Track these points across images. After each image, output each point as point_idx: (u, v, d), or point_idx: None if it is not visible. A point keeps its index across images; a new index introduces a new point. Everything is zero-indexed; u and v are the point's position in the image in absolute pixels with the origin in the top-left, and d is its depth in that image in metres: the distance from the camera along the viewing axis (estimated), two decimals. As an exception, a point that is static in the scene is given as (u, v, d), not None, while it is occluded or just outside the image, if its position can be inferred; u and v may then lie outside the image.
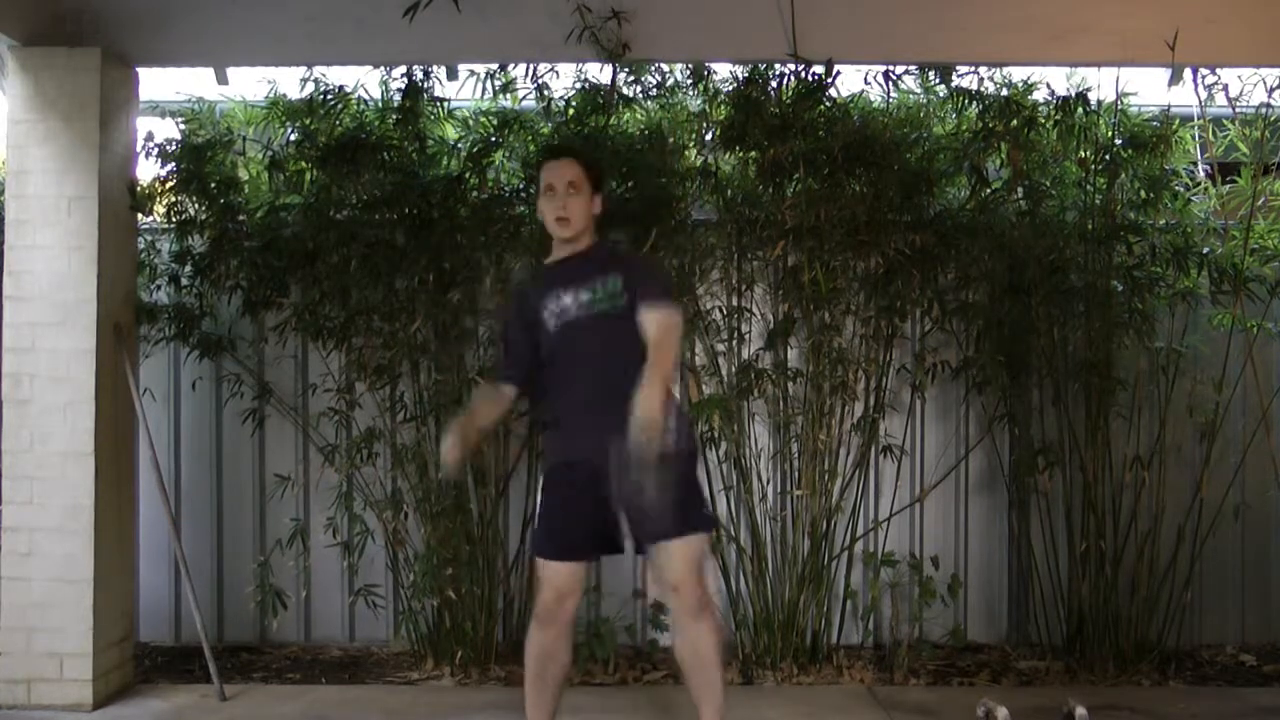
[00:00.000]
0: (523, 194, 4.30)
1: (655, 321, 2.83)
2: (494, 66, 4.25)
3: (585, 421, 2.89)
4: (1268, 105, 4.25)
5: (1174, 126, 4.30)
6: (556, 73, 4.24)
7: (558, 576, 2.95)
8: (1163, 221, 4.36)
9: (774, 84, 4.19)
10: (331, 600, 4.69)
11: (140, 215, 4.22)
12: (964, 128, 4.33)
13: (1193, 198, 4.43)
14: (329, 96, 4.25)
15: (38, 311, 3.85)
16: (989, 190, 4.29)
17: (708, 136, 4.34)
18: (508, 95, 4.33)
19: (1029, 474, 4.42)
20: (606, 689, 4.17)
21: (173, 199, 4.22)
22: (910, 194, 4.21)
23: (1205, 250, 4.31)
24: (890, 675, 4.29)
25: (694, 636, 2.93)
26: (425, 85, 4.27)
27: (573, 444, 2.95)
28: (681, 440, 2.95)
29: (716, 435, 4.33)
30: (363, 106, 4.33)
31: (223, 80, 4.42)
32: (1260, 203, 4.26)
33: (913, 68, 4.29)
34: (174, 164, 4.19)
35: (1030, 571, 4.49)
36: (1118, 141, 4.27)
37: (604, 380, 2.86)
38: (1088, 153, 4.29)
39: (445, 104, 4.36)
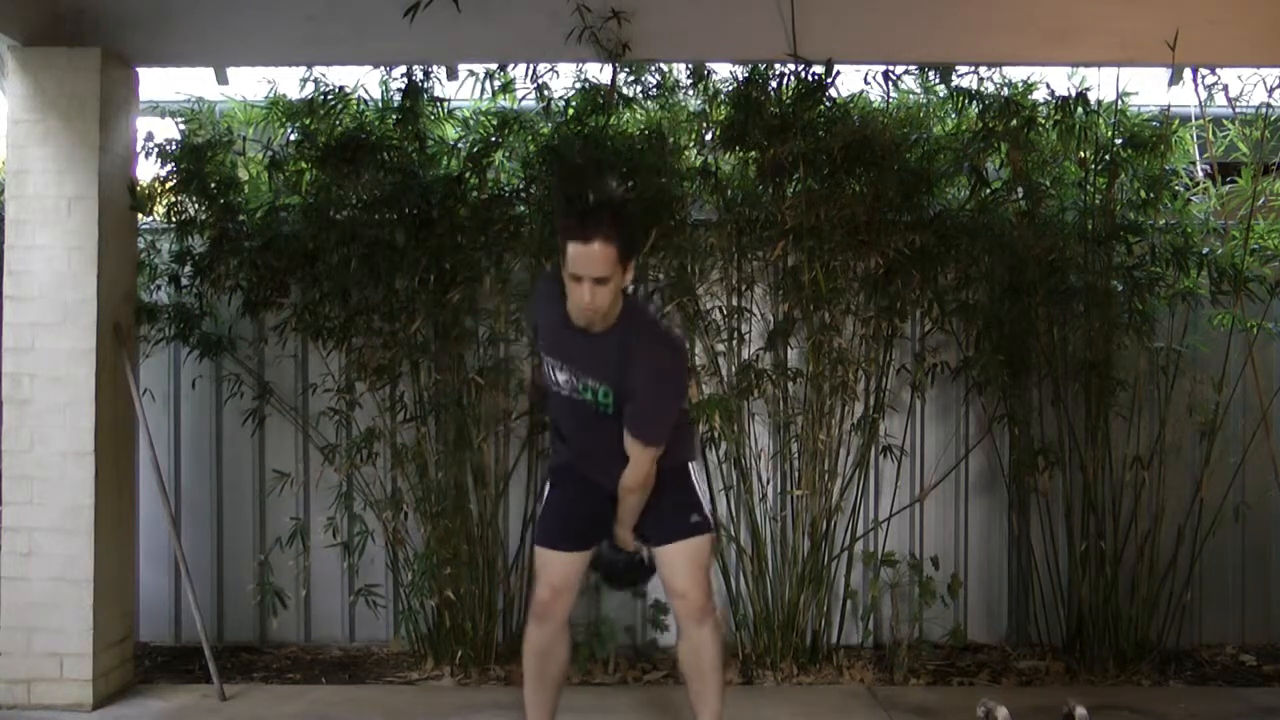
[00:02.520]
0: (523, 194, 4.30)
1: (630, 449, 2.79)
2: (493, 66, 4.24)
3: (584, 458, 2.97)
4: (1268, 105, 4.25)
5: (1174, 126, 4.30)
6: (556, 72, 4.24)
7: (555, 569, 2.96)
8: (1163, 221, 4.36)
9: (774, 84, 4.19)
10: (331, 600, 4.69)
11: (140, 215, 4.22)
12: (964, 128, 4.33)
13: (1193, 198, 4.43)
14: (329, 97, 4.24)
15: (38, 311, 3.85)
16: (989, 190, 4.29)
17: (708, 136, 4.34)
18: (507, 96, 4.33)
19: (1029, 474, 4.42)
20: (606, 689, 4.17)
21: (172, 199, 4.22)
22: (910, 194, 4.21)
23: (1205, 250, 4.31)
24: (890, 675, 4.29)
25: (697, 642, 2.94)
26: (425, 85, 4.27)
27: (574, 461, 3.01)
28: (685, 451, 2.99)
29: (716, 435, 4.33)
30: (362, 106, 4.32)
31: (223, 80, 4.43)
32: (1260, 203, 4.26)
33: (913, 68, 4.29)
34: (174, 164, 4.19)
35: (1030, 571, 4.49)
36: (1118, 141, 4.26)
37: (595, 442, 2.89)
38: (1087, 153, 4.29)
39: (445, 104, 4.35)
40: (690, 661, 2.96)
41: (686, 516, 2.94)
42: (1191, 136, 4.41)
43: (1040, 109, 4.25)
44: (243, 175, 4.38)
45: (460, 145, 4.35)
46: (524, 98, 4.34)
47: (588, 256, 2.60)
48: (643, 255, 4.08)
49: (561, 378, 2.84)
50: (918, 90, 4.41)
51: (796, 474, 4.38)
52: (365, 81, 4.32)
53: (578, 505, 2.98)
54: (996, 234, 4.32)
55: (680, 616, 2.96)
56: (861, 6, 4.01)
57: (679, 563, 2.91)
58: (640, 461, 2.80)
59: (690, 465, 3.02)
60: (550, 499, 3.05)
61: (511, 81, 4.29)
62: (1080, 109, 4.20)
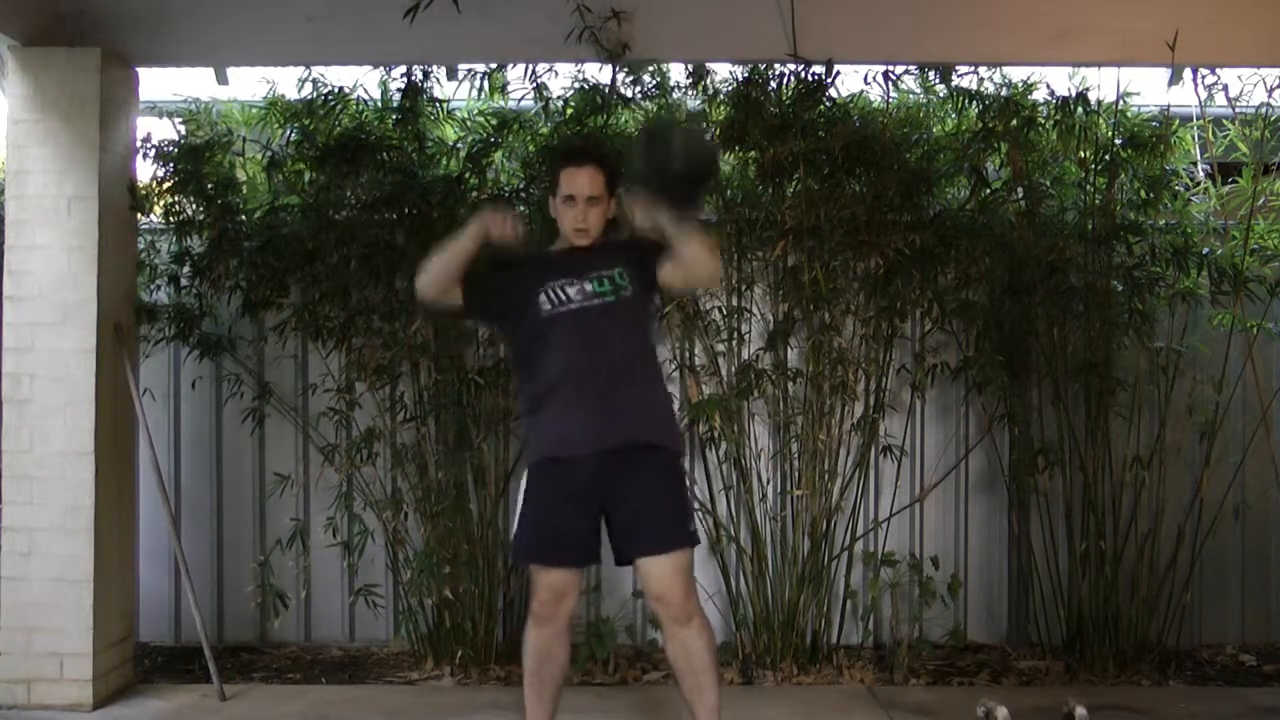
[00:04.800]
0: (523, 194, 4.30)
1: (687, 248, 2.86)
2: (492, 66, 4.24)
3: (583, 411, 2.86)
4: (1268, 105, 4.25)
5: (1174, 126, 4.30)
6: (555, 72, 4.24)
7: (553, 579, 2.93)
8: (1162, 221, 4.36)
9: (774, 84, 4.19)
10: (331, 600, 4.69)
11: (140, 215, 4.22)
12: (964, 128, 4.33)
13: (1193, 198, 4.43)
14: (328, 97, 4.24)
15: (38, 311, 3.84)
16: (989, 190, 4.29)
17: (707, 137, 4.34)
18: (502, 96, 4.33)
19: (1029, 474, 4.42)
20: (606, 689, 4.17)
21: (170, 200, 4.22)
22: (910, 194, 4.21)
23: (1205, 250, 4.31)
24: (890, 675, 4.29)
25: (684, 640, 2.92)
26: (425, 85, 4.27)
27: (566, 437, 2.88)
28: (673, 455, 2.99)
29: (716, 435, 4.33)
30: (362, 107, 4.33)
31: (223, 80, 4.42)
32: (1260, 203, 4.26)
33: (912, 68, 4.29)
34: (172, 165, 4.19)
35: (1030, 571, 4.49)
36: (1117, 142, 4.26)
37: (606, 368, 2.87)
38: (1087, 153, 4.29)
39: (444, 104, 4.35)
40: (680, 660, 2.94)
41: (678, 527, 2.91)
42: (1192, 136, 4.41)
43: (1040, 109, 4.25)
44: (241, 176, 4.38)
45: (460, 145, 4.35)
46: (522, 98, 4.34)
47: (579, 176, 2.95)
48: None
49: (571, 290, 2.92)
50: (918, 90, 4.41)
51: (796, 474, 4.38)
52: (365, 81, 4.33)
53: (564, 516, 2.89)
54: (996, 234, 4.32)
55: (663, 618, 2.93)
56: (861, 6, 4.02)
57: (663, 570, 2.86)
58: (699, 244, 2.87)
59: (682, 474, 3.04)
60: (531, 513, 2.93)
61: (505, 84, 4.29)
62: (1080, 109, 4.20)
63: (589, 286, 2.92)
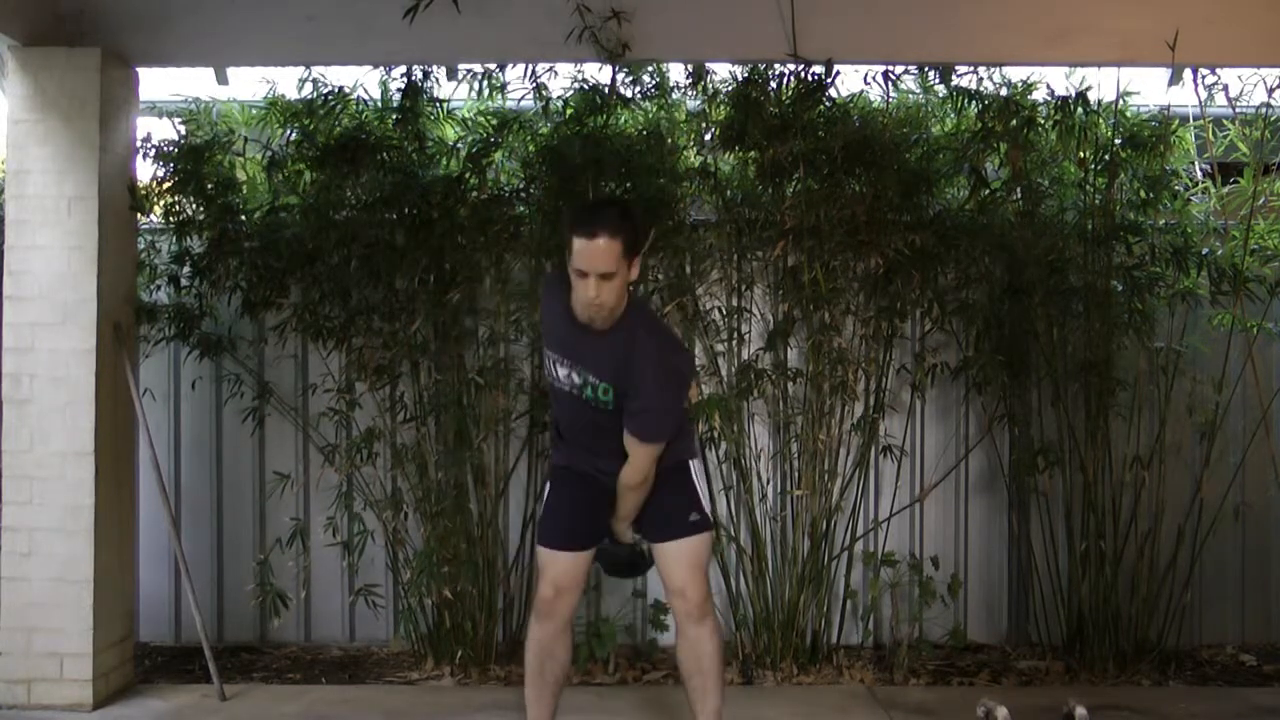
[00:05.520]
0: (522, 194, 4.30)
1: (630, 447, 2.82)
2: (491, 66, 4.24)
3: (583, 456, 2.97)
4: (1268, 105, 4.24)
5: (1174, 126, 4.30)
6: (555, 72, 4.24)
7: (558, 569, 2.96)
8: (1162, 222, 4.36)
9: (774, 84, 4.19)
10: (331, 600, 4.69)
11: (140, 215, 4.22)
12: (963, 128, 4.33)
13: (1192, 198, 4.43)
14: (328, 97, 4.24)
15: (38, 311, 3.84)
16: (988, 190, 4.29)
17: (707, 137, 4.34)
18: (503, 96, 4.33)
19: (1029, 474, 4.42)
20: (606, 689, 4.17)
21: (170, 200, 4.22)
22: (910, 194, 4.20)
23: (1205, 250, 4.31)
24: (890, 675, 4.29)
25: (695, 639, 2.94)
26: (425, 85, 4.27)
27: (576, 460, 3.01)
28: (684, 448, 2.99)
29: (716, 435, 4.33)
30: (362, 107, 4.32)
31: (223, 80, 4.42)
32: (1260, 203, 4.25)
33: (912, 68, 4.29)
34: (172, 165, 4.19)
35: (1030, 571, 4.49)
36: (1117, 141, 4.26)
37: (594, 439, 2.92)
38: (1087, 153, 4.29)
39: (444, 104, 4.35)
40: (689, 660, 2.97)
41: (686, 515, 2.95)
42: (1191, 136, 4.41)
43: (1040, 109, 4.25)
44: (241, 176, 4.38)
45: (460, 145, 4.35)
46: (522, 98, 4.34)
47: (593, 251, 2.65)
48: (644, 255, 4.07)
49: (562, 373, 2.86)
50: (917, 90, 4.41)
51: (796, 474, 4.38)
52: (365, 81, 4.33)
53: (580, 504, 2.98)
54: (996, 234, 4.32)
55: (678, 614, 2.97)
56: (861, 6, 4.01)
57: (678, 561, 2.92)
58: (640, 459, 2.82)
59: (691, 463, 3.03)
60: (551, 499, 3.06)
61: (505, 84, 4.29)
62: (1080, 109, 4.20)
63: (577, 380, 2.84)
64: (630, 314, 2.81)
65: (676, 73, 4.35)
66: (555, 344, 2.89)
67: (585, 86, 4.23)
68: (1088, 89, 4.22)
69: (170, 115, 4.42)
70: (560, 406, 3.00)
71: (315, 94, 4.25)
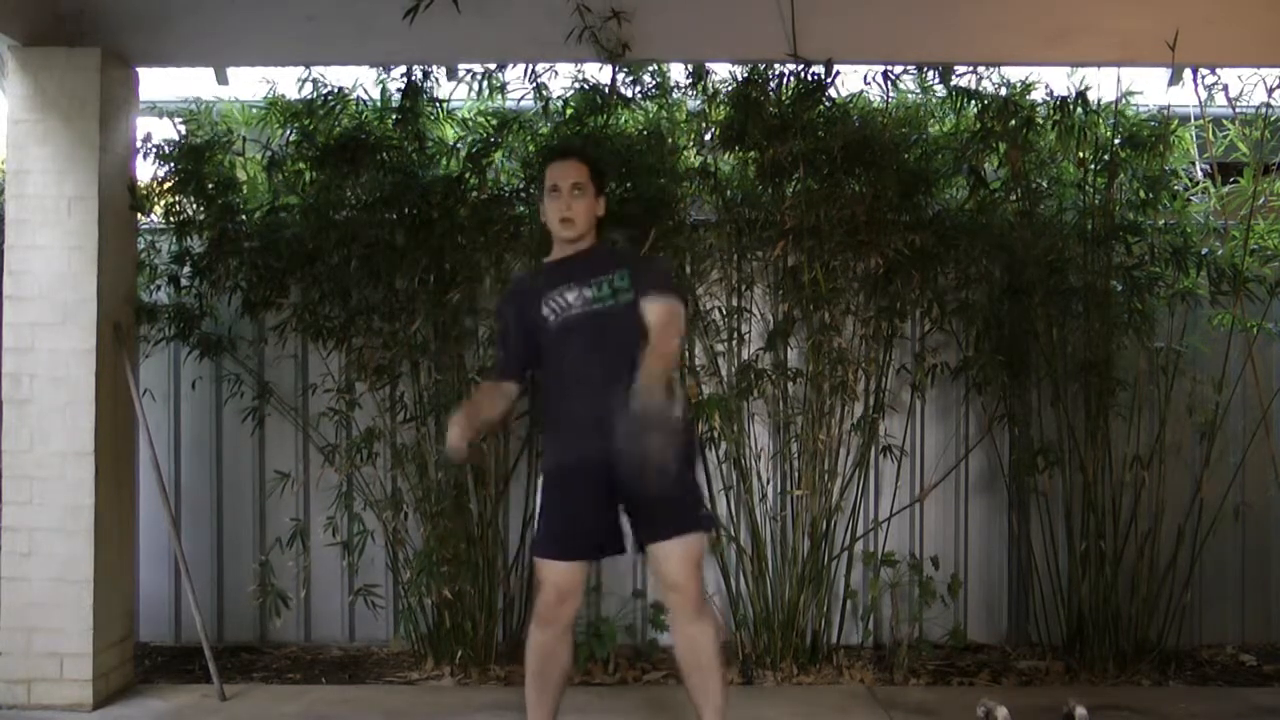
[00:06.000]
0: (522, 194, 4.30)
1: (658, 310, 2.86)
2: (491, 66, 4.24)
3: (586, 420, 2.85)
4: (1268, 105, 4.25)
5: (1173, 126, 4.30)
6: (555, 72, 4.24)
7: (559, 577, 2.94)
8: (1162, 222, 4.36)
9: (773, 84, 4.19)
10: (331, 600, 4.69)
11: (140, 215, 4.22)
12: (963, 128, 4.33)
13: (1192, 198, 4.43)
14: (328, 97, 4.24)
15: (38, 311, 3.85)
16: (988, 190, 4.29)
17: (707, 137, 4.34)
18: (503, 96, 4.33)
19: (1029, 474, 4.42)
20: (606, 689, 4.17)
21: (170, 200, 4.22)
22: (909, 194, 4.21)
23: (1205, 250, 4.31)
24: (890, 675, 4.29)
25: (693, 635, 2.93)
26: (425, 85, 4.27)
27: (572, 445, 2.94)
28: (685, 446, 2.97)
29: (716, 435, 4.33)
30: (362, 107, 4.32)
31: (223, 80, 4.43)
32: (1260, 203, 4.25)
33: (912, 68, 4.29)
34: (172, 164, 4.19)
35: (1030, 571, 4.49)
36: (1117, 141, 4.26)
37: (606, 377, 2.82)
38: (1086, 153, 4.29)
39: (444, 104, 4.35)
40: (688, 656, 2.96)
41: (688, 512, 2.94)
42: (1191, 136, 4.41)
43: (1039, 109, 4.25)
44: (241, 176, 4.38)
45: (460, 145, 4.35)
46: (522, 98, 4.34)
47: (562, 168, 2.98)
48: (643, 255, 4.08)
49: (570, 296, 2.92)
50: (917, 90, 4.41)
51: (796, 474, 4.38)
52: (364, 81, 4.33)
53: (577, 512, 2.94)
54: (996, 234, 4.32)
55: (675, 610, 2.96)
56: (861, 6, 4.02)
57: (676, 557, 2.90)
58: (666, 311, 2.85)
59: (691, 461, 3.02)
60: (545, 507, 2.99)
61: (505, 84, 4.29)
62: (1079, 109, 4.20)
63: (588, 293, 2.92)
64: (604, 241, 3.10)
65: (676, 73, 4.35)
66: (552, 290, 2.94)
67: (585, 86, 4.23)
68: (1087, 89, 4.22)
69: (170, 115, 4.43)
70: (558, 360, 2.93)
71: (315, 94, 4.26)
